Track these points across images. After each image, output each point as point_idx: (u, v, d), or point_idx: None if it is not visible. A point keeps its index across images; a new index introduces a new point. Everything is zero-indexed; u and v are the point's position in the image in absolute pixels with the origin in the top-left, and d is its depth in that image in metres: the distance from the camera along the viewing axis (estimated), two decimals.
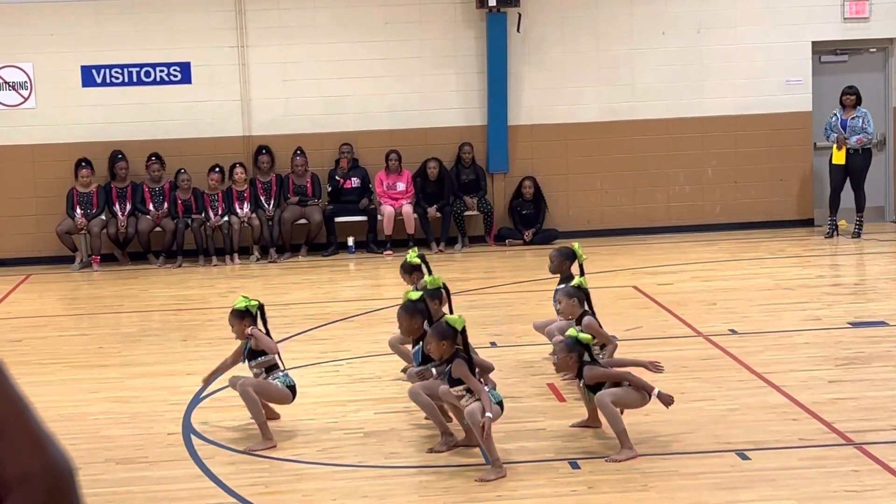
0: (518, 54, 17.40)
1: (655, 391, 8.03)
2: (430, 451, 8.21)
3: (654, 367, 8.23)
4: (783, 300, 12.86)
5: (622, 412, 8.01)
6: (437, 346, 7.80)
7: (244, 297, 8.76)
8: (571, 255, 10.16)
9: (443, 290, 9.21)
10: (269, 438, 8.43)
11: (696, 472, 7.62)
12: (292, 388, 8.68)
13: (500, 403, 7.86)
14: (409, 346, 8.94)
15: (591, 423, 8.50)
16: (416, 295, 8.68)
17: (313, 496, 7.47)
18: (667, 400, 8.03)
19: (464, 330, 7.84)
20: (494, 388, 8.11)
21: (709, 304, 12.67)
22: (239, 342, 8.81)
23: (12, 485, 1.28)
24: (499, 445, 8.12)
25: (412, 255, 10.29)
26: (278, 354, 8.71)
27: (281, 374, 8.67)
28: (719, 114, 17.69)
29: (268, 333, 8.72)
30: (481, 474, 7.63)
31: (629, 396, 8.04)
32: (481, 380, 7.86)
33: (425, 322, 8.47)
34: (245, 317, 8.62)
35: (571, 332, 8.35)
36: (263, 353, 8.61)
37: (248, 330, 8.58)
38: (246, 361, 8.73)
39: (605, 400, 7.95)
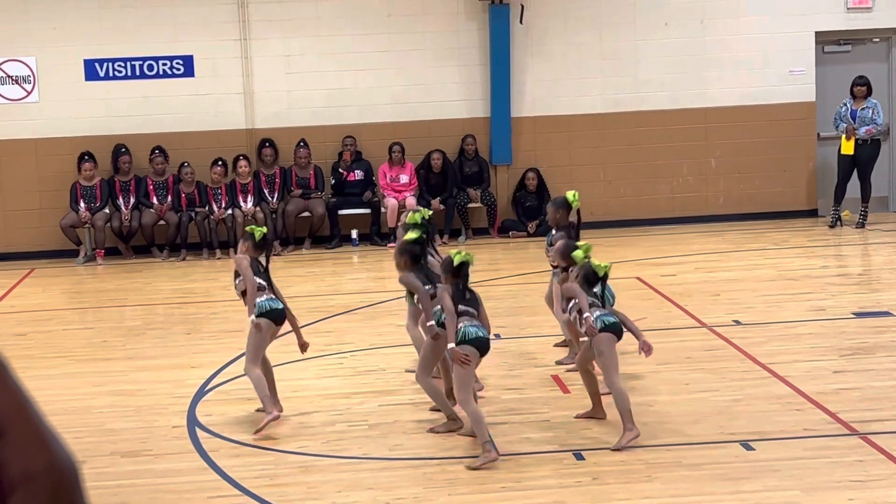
0: (521, 46, 17.38)
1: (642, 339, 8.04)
2: (431, 430, 8.30)
3: (646, 350, 8.12)
4: (787, 291, 12.85)
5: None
6: (241, 246, 8.54)
7: (253, 227, 8.91)
8: (565, 204, 10.06)
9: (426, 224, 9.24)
10: (269, 411, 8.43)
11: (701, 462, 7.63)
12: (271, 313, 8.56)
13: (479, 340, 7.81)
14: (422, 333, 8.89)
15: (595, 413, 8.51)
16: (414, 234, 8.76)
17: (318, 488, 7.48)
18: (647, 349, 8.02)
19: (462, 265, 7.93)
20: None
21: (713, 295, 12.67)
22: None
23: (16, 483, 1.28)
24: (503, 437, 8.14)
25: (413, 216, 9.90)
26: (266, 287, 8.63)
27: (264, 298, 8.61)
28: (723, 104, 17.66)
29: (267, 266, 8.76)
30: (470, 462, 7.65)
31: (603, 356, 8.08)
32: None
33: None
34: (247, 240, 8.78)
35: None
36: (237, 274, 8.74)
37: (235, 255, 8.66)
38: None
39: (611, 383, 8.00)
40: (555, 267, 9.61)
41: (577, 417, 8.59)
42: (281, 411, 8.84)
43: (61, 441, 1.35)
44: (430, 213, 9.71)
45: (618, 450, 7.84)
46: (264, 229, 8.91)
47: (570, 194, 10.08)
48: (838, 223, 16.88)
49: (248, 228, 8.95)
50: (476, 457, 7.71)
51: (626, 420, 7.95)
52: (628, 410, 7.97)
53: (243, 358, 8.89)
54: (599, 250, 15.55)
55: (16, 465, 1.30)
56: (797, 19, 17.58)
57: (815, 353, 10.16)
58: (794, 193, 17.87)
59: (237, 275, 8.78)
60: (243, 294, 8.71)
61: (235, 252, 8.91)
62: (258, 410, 8.80)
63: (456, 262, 7.95)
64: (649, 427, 8.34)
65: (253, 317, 8.57)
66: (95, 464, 8.09)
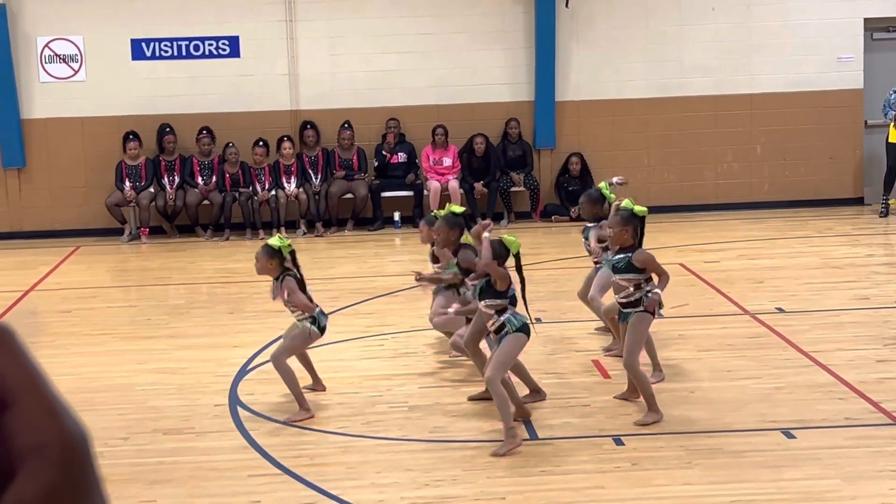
0: (566, 30, 17.31)
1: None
2: (470, 398, 8.45)
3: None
4: (831, 279, 12.76)
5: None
6: (265, 264, 8.34)
7: (280, 237, 8.67)
8: (600, 198, 9.95)
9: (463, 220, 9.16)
10: (306, 409, 8.47)
11: (741, 450, 7.61)
12: (323, 330, 8.59)
13: (527, 327, 7.78)
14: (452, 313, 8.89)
15: (630, 395, 8.50)
16: (458, 209, 8.71)
17: (357, 469, 7.52)
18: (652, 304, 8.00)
19: (518, 254, 7.84)
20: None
21: (756, 283, 12.60)
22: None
23: (25, 455, 1.28)
24: (543, 422, 8.15)
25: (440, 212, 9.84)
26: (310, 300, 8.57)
27: (318, 310, 8.60)
28: (769, 91, 17.52)
29: (301, 279, 8.59)
30: (495, 448, 7.64)
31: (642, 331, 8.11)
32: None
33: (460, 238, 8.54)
34: (275, 256, 8.47)
35: (627, 203, 8.33)
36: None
37: (285, 287, 8.44)
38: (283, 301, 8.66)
39: (631, 363, 7.99)
40: (596, 263, 9.59)
41: (616, 398, 8.60)
42: (324, 389, 8.88)
43: (72, 413, 1.34)
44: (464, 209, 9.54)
45: (642, 424, 7.86)
46: (288, 242, 8.56)
47: (604, 187, 9.93)
48: (888, 212, 16.71)
49: (275, 245, 8.47)
50: (525, 441, 7.73)
51: (651, 404, 7.99)
52: (651, 395, 8.00)
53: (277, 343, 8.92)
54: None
55: (25, 437, 1.29)
56: (845, 5, 17.41)
57: (859, 341, 10.09)
58: (839, 181, 17.72)
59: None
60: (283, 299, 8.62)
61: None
62: (307, 388, 8.82)
63: (514, 250, 7.84)
64: (690, 413, 8.33)
65: (307, 324, 8.53)
66: (137, 440, 8.17)
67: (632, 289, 8.08)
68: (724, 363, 9.49)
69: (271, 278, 8.60)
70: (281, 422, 8.40)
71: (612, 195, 9.86)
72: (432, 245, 9.44)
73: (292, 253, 8.59)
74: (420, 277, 9.07)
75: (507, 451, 7.56)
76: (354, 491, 7.13)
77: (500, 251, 7.83)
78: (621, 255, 8.21)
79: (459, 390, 8.98)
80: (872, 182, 17.42)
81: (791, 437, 7.81)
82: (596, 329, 10.52)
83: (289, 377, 8.53)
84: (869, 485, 6.98)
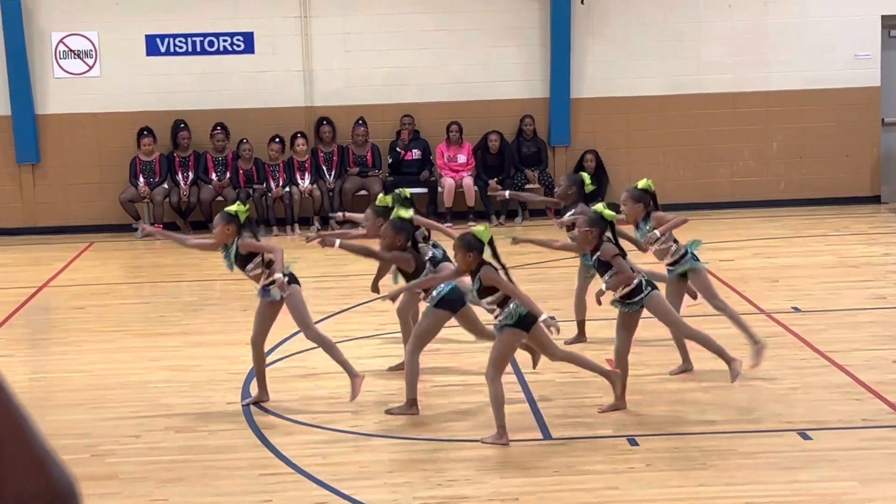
0: (581, 26, 17.25)
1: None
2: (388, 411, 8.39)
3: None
4: (847, 278, 12.68)
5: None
6: (463, 258, 7.67)
7: (239, 203, 8.72)
8: (580, 182, 9.91)
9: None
10: (354, 374, 8.55)
11: (756, 451, 7.55)
12: (294, 278, 8.61)
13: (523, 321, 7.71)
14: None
15: (686, 366, 8.92)
16: (407, 213, 8.64)
17: (370, 468, 7.48)
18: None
19: (491, 241, 7.74)
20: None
21: (771, 281, 12.53)
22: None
23: None
24: (557, 421, 8.11)
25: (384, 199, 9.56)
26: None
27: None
28: (785, 88, 17.44)
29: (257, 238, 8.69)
30: (483, 437, 7.73)
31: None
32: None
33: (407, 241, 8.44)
34: (232, 221, 8.50)
35: (597, 207, 8.34)
36: (252, 256, 8.53)
37: (244, 247, 8.47)
38: (241, 271, 8.64)
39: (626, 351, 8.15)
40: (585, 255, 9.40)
41: (671, 373, 9.03)
42: (268, 399, 8.77)
43: (60, 462, 1.28)
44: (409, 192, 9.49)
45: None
46: (246, 208, 8.61)
47: (586, 177, 9.90)
48: None
49: (232, 210, 8.54)
50: (525, 440, 7.68)
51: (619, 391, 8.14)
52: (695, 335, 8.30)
53: (297, 336, 8.90)
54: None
55: (11, 487, 1.23)
56: (863, 2, 17.32)
57: (875, 341, 10.01)
58: (856, 179, 17.62)
59: (243, 262, 8.57)
60: (267, 265, 8.59)
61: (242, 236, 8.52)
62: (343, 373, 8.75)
63: (485, 240, 7.72)
64: (705, 414, 8.27)
65: (280, 275, 8.40)
66: (150, 438, 8.15)
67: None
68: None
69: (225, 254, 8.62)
70: (299, 422, 8.36)
71: (592, 184, 9.88)
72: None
73: (249, 219, 8.64)
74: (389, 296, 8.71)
75: (492, 443, 7.67)
76: (367, 490, 7.09)
77: (473, 243, 7.71)
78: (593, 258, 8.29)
79: (472, 389, 8.93)
80: (889, 180, 17.33)
81: (807, 438, 7.75)
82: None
83: (328, 345, 8.60)
84: (885, 487, 6.92)
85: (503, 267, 7.79)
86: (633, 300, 8.21)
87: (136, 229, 16.75)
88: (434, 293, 8.16)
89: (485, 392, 8.79)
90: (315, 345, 8.97)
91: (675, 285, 9.21)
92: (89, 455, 7.87)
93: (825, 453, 7.49)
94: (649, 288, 8.18)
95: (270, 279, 8.53)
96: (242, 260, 8.59)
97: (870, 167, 17.63)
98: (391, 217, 8.59)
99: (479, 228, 7.80)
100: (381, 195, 9.67)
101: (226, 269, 8.80)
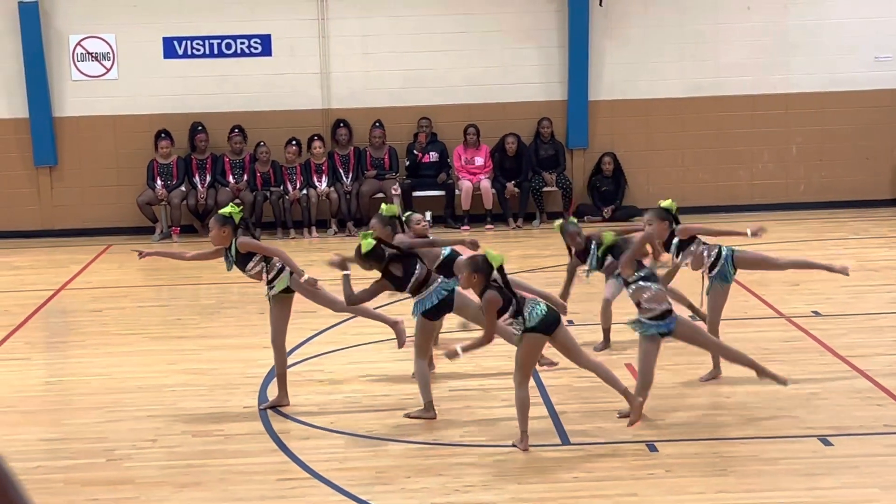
0: (600, 28, 17.18)
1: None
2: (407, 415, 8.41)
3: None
4: (868, 282, 12.59)
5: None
6: (467, 277, 7.65)
7: (232, 205, 8.71)
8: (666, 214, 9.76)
9: (397, 221, 9.26)
10: (392, 321, 8.77)
11: (777, 457, 7.48)
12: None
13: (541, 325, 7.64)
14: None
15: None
16: (394, 209, 8.61)
17: (387, 473, 7.44)
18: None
19: (501, 268, 7.64)
20: None
21: (791, 285, 12.44)
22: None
23: None
24: (575, 426, 8.06)
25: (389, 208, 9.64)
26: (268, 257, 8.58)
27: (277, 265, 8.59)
28: (805, 90, 17.35)
29: (257, 238, 8.75)
30: (541, 450, 7.66)
31: None
32: None
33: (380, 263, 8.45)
34: (227, 223, 8.54)
35: (665, 202, 8.87)
36: (251, 256, 8.53)
37: (243, 247, 8.50)
38: (241, 271, 8.66)
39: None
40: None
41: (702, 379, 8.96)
42: (288, 403, 8.76)
43: None
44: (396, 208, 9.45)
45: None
46: (239, 209, 8.63)
47: (665, 202, 9.62)
48: None
49: (226, 212, 8.58)
50: (543, 445, 7.63)
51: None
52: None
53: (314, 340, 8.87)
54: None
55: None
56: (883, 4, 17.22)
57: None
58: (876, 182, 17.52)
59: (243, 262, 8.58)
60: (266, 260, 8.58)
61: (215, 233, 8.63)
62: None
63: (496, 265, 7.63)
64: (725, 419, 8.21)
65: (287, 275, 8.53)
66: (167, 442, 8.12)
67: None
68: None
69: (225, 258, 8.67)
70: (316, 426, 8.32)
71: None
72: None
73: (244, 220, 8.68)
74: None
75: (521, 448, 7.65)
76: (384, 496, 7.05)
77: (481, 266, 7.65)
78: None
79: (490, 394, 8.89)
80: None
81: (828, 444, 7.68)
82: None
83: (360, 310, 8.72)
84: None
85: (511, 292, 7.65)
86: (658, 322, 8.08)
87: (152, 232, 16.77)
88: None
89: (503, 397, 8.78)
90: (349, 315, 9.00)
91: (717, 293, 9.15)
92: (106, 459, 7.84)
93: (847, 459, 7.42)
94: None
95: (273, 274, 8.51)
96: (242, 260, 8.59)
97: (890, 170, 17.52)
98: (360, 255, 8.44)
99: (493, 254, 7.69)
100: (384, 205, 9.61)
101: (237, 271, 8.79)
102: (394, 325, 8.74)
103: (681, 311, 8.75)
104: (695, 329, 8.37)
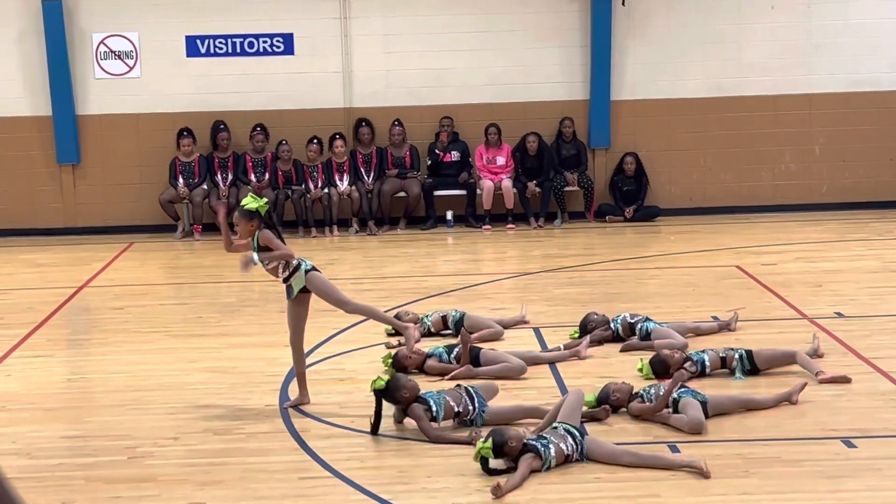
0: (622, 28, 17.14)
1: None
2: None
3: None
4: (891, 283, 12.53)
5: None
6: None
7: (252, 196, 8.68)
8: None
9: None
10: (405, 327, 8.76)
11: (800, 459, 7.44)
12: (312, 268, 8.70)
13: None
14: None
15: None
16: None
17: (409, 473, 7.43)
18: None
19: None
20: None
21: (814, 286, 12.39)
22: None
23: None
24: (597, 427, 8.02)
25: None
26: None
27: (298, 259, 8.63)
28: (828, 91, 17.27)
29: (279, 238, 8.65)
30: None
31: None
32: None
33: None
34: (253, 217, 8.55)
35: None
36: (269, 251, 8.57)
37: (264, 241, 8.53)
38: (261, 264, 8.66)
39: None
40: None
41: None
42: (308, 402, 8.79)
43: None
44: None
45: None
46: (264, 202, 8.63)
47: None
48: None
49: (252, 207, 8.54)
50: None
51: None
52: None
53: (334, 339, 8.88)
54: (698, 238, 15.43)
55: None
56: None
57: None
58: None
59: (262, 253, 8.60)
60: (273, 271, 8.62)
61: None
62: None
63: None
64: (748, 421, 8.17)
65: (303, 271, 8.56)
66: (188, 441, 8.13)
67: None
68: (781, 369, 9.30)
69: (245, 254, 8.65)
70: (338, 425, 8.31)
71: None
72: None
73: (269, 213, 8.69)
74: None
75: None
76: (405, 495, 7.04)
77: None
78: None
79: (511, 393, 8.87)
80: None
81: (851, 446, 7.63)
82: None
83: (370, 311, 8.81)
84: None
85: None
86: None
87: (175, 229, 16.80)
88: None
89: (523, 397, 8.76)
90: (358, 319, 9.04)
91: None
92: (127, 457, 7.86)
93: (870, 462, 7.37)
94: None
95: (288, 273, 8.52)
96: (261, 252, 8.60)
97: None
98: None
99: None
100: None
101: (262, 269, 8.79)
102: (405, 328, 8.73)
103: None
104: None
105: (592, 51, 17.04)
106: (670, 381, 8.27)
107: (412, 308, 11.52)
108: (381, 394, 8.03)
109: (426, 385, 9.00)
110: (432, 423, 8.01)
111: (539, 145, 17.00)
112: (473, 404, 8.16)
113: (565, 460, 7.36)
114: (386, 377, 8.12)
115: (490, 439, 7.26)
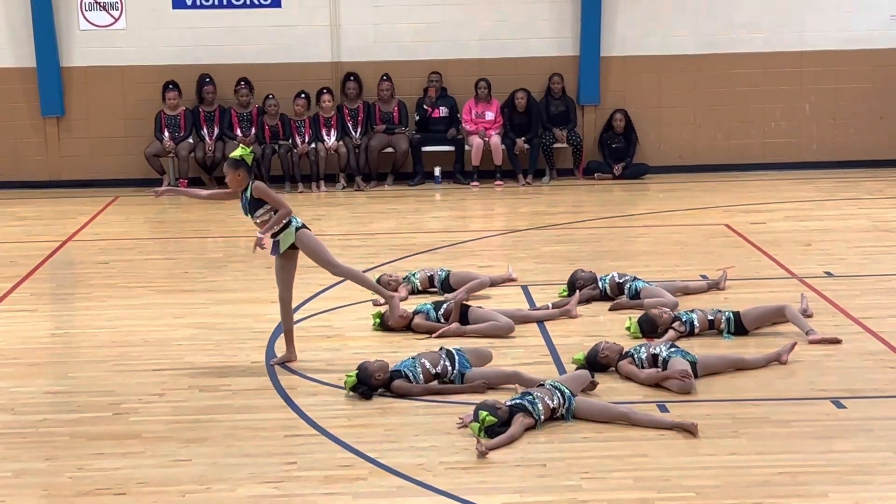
0: None
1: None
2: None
3: None
4: (881, 242, 12.49)
5: None
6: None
7: (242, 146, 8.65)
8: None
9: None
10: (388, 297, 8.90)
11: (789, 419, 7.42)
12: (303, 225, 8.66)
13: None
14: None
15: None
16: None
17: (396, 431, 7.38)
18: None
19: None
20: None
21: (804, 245, 12.35)
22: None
23: None
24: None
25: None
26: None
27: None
28: (819, 48, 17.15)
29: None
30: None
31: None
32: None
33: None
34: (241, 166, 8.48)
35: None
36: (262, 203, 8.49)
37: (258, 194, 8.45)
38: (250, 216, 8.61)
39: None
40: None
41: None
42: (296, 359, 8.74)
43: None
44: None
45: None
46: (249, 150, 8.59)
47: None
48: None
49: (237, 155, 8.50)
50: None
51: None
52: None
53: (321, 295, 8.81)
54: (687, 196, 15.36)
55: None
56: None
57: None
58: (891, 142, 17.35)
59: (254, 207, 8.54)
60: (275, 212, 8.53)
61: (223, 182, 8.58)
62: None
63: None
64: (737, 381, 8.13)
65: (293, 228, 8.51)
66: (174, 397, 8.07)
67: None
68: (771, 328, 9.26)
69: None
70: (324, 382, 8.26)
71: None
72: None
73: (256, 161, 8.59)
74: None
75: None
76: (392, 454, 6.99)
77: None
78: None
79: (500, 352, 8.81)
80: None
81: (841, 406, 7.61)
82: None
83: (357, 276, 8.82)
84: None
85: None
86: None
87: (159, 184, 16.66)
88: None
89: (512, 356, 8.71)
90: (343, 279, 9.11)
91: None
92: (112, 413, 7.79)
93: (860, 422, 7.35)
94: None
95: (279, 228, 8.45)
96: (253, 205, 8.54)
97: None
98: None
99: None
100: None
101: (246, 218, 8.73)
102: (390, 298, 8.67)
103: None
104: None
105: (582, 6, 16.88)
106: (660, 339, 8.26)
107: (400, 265, 11.45)
108: (357, 388, 7.96)
109: (414, 344, 8.96)
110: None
111: (528, 101, 16.87)
112: (454, 365, 8.10)
113: (552, 414, 7.32)
114: (353, 373, 8.02)
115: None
